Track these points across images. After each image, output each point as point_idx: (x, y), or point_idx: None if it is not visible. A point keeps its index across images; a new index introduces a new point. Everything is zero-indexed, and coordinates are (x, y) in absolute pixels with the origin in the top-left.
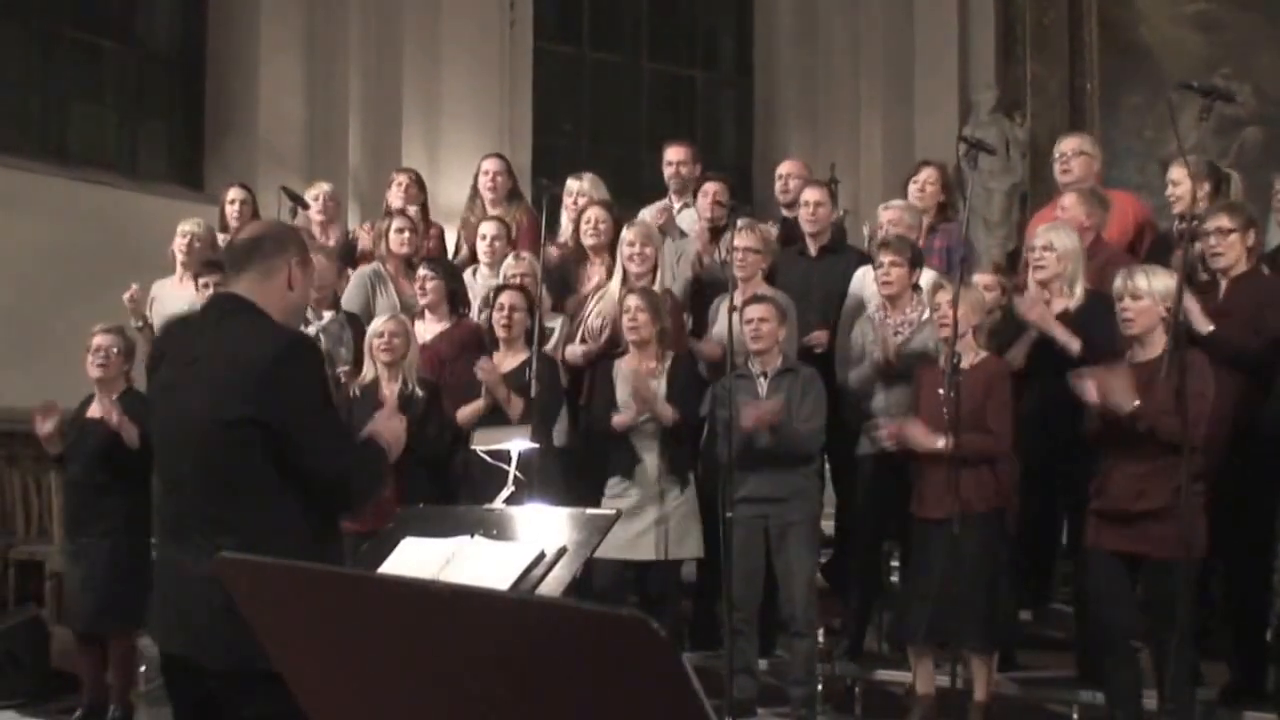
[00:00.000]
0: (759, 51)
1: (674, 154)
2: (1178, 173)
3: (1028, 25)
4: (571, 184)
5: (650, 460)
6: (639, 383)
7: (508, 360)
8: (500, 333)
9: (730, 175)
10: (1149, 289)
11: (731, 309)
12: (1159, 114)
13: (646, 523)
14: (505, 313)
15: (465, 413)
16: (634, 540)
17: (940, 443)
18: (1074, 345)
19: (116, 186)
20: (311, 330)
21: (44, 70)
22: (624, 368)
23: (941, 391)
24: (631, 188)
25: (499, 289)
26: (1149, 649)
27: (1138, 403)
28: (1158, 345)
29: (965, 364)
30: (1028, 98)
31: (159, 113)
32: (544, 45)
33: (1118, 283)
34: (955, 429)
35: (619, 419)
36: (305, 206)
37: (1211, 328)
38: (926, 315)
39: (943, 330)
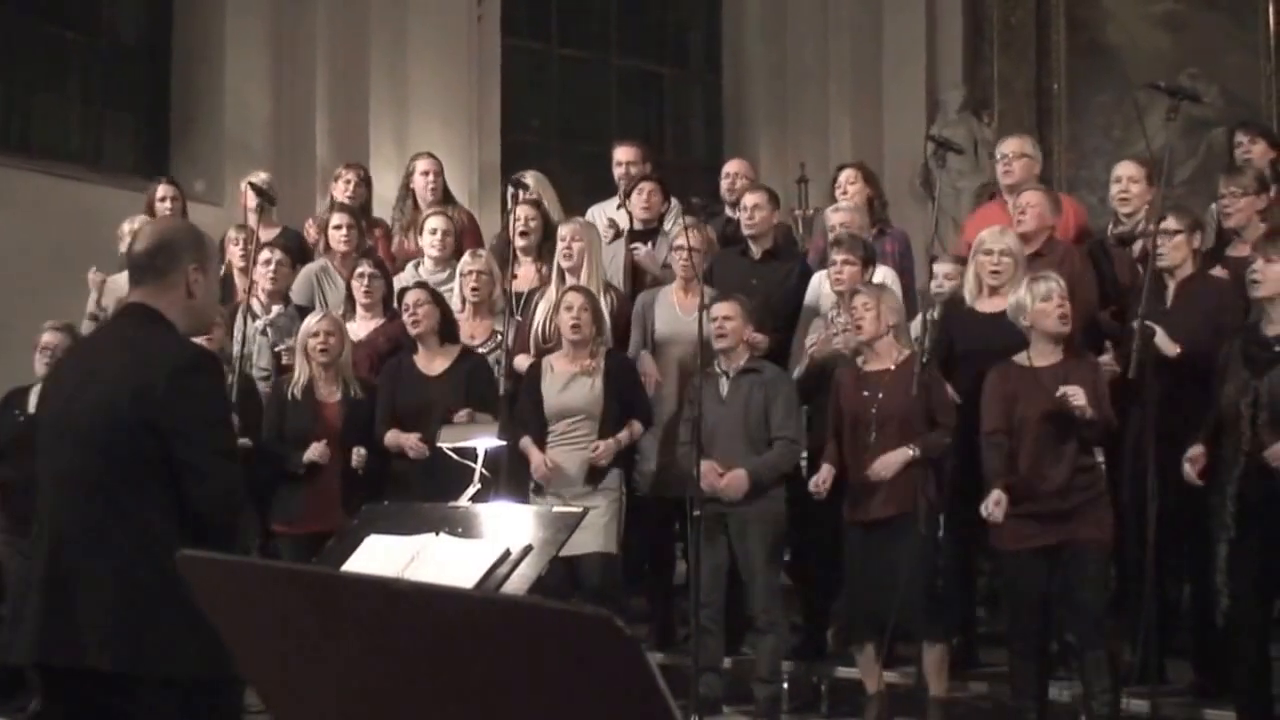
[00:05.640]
0: (728, 49)
1: (623, 154)
2: (1133, 170)
3: (995, 24)
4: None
5: (584, 458)
6: (608, 448)
7: (434, 363)
8: (412, 330)
9: (698, 173)
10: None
11: (703, 306)
12: (1127, 113)
13: (590, 518)
14: (410, 311)
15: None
16: (579, 534)
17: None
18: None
19: (80, 180)
20: (259, 324)
21: (7, 62)
22: (556, 366)
23: (866, 393)
24: (600, 185)
25: (402, 290)
26: (1073, 640)
27: (1091, 412)
28: (1057, 351)
29: (891, 364)
30: (995, 97)
31: (124, 106)
32: (512, 41)
33: (1021, 293)
34: (921, 428)
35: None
36: (272, 202)
37: (1179, 349)
38: None
39: (858, 334)
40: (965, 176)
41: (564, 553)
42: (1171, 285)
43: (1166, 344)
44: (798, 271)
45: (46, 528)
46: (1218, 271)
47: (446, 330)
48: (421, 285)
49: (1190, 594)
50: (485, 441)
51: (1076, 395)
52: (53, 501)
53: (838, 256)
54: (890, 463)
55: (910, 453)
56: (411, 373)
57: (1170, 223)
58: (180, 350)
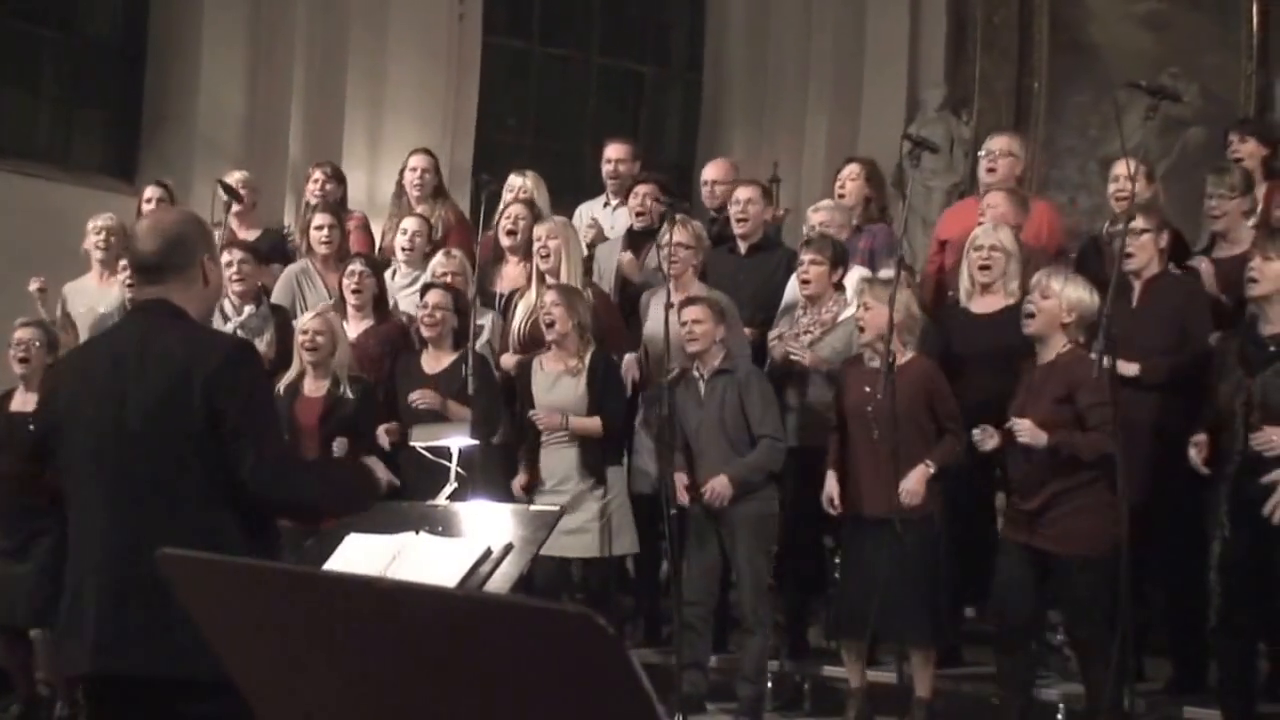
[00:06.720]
0: (710, 49)
1: (613, 151)
2: (1125, 169)
3: (979, 24)
4: (514, 180)
5: (575, 457)
6: (547, 420)
7: (439, 361)
8: (427, 332)
9: (671, 172)
10: (1059, 292)
11: (669, 306)
12: (1104, 113)
13: (582, 520)
14: (429, 311)
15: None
16: (570, 537)
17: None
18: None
19: (47, 178)
20: (230, 325)
21: None
22: (546, 366)
23: (868, 389)
24: (570, 185)
25: (425, 288)
26: (1073, 647)
27: (1046, 439)
28: (1053, 350)
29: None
30: (975, 96)
31: (96, 103)
32: (494, 39)
33: (1034, 278)
34: (891, 428)
35: (542, 421)
36: (240, 200)
37: (1136, 368)
38: (844, 315)
39: (861, 334)
40: (938, 176)
41: (563, 554)
42: (1137, 285)
43: (1124, 365)
44: (785, 262)
45: (99, 536)
46: (1205, 265)
47: (460, 333)
48: (446, 287)
49: (1168, 592)
50: (458, 441)
51: (1021, 431)
52: (105, 508)
53: (805, 256)
54: (914, 490)
55: (928, 469)
56: (415, 370)
57: (1138, 222)
58: (220, 344)
